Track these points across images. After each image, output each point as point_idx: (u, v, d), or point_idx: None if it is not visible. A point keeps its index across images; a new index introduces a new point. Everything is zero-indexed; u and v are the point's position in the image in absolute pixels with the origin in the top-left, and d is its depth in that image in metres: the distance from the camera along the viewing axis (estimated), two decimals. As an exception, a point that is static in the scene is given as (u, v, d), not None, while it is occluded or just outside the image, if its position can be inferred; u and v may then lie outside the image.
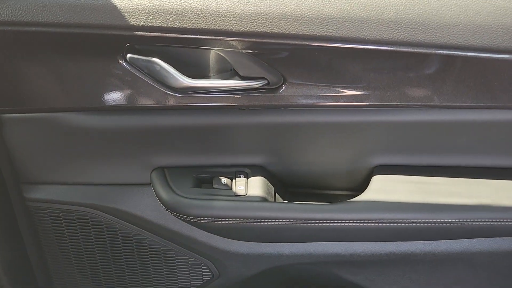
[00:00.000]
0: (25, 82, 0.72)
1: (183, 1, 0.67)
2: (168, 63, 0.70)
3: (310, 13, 0.66)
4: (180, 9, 0.66)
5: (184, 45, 0.69)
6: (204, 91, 0.72)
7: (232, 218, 0.78)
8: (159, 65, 0.70)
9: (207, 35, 0.67)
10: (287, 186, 0.87)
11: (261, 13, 0.66)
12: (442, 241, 0.83)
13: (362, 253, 0.85)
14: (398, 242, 0.84)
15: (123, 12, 0.65)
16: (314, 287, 1.01)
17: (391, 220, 0.77)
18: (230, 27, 0.66)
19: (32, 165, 0.82)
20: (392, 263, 0.87)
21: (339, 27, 0.66)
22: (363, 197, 0.79)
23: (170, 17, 0.66)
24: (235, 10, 0.66)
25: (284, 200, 0.85)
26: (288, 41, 0.67)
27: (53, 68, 0.71)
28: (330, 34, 0.66)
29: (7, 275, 0.88)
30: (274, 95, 0.72)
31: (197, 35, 0.67)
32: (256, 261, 0.88)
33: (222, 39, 0.67)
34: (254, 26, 0.66)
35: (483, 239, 0.83)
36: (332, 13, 0.66)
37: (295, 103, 0.73)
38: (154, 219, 0.85)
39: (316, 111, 0.76)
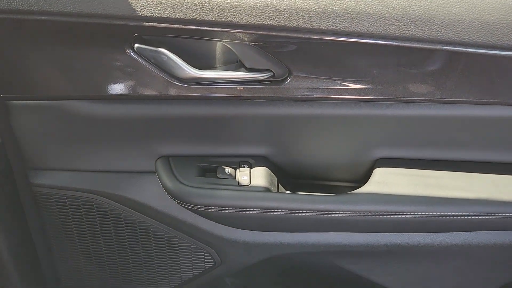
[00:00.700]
0: (33, 70, 0.72)
1: (191, -7, 0.67)
2: (175, 54, 0.71)
3: (317, 6, 0.67)
4: (188, 1, 0.67)
5: (191, 36, 0.70)
6: (210, 82, 0.73)
7: (236, 207, 0.79)
8: (166, 55, 0.70)
9: (215, 27, 0.67)
10: (290, 176, 0.88)
11: (269, 6, 0.66)
12: (442, 233, 0.85)
13: (363, 244, 0.86)
14: (398, 234, 0.85)
15: (131, 3, 0.66)
16: (314, 276, 1.03)
17: (391, 212, 0.78)
18: (238, 20, 0.66)
19: (38, 152, 0.83)
20: (391, 254, 0.89)
21: (346, 21, 0.67)
22: (364, 189, 0.80)
23: (178, 9, 0.66)
24: (243, 3, 0.67)
25: (286, 190, 0.86)
26: (295, 34, 0.67)
27: (61, 56, 0.71)
28: (337, 28, 0.67)
29: (13, 259, 0.89)
30: (279, 87, 0.73)
31: (204, 26, 0.67)
32: (258, 249, 0.89)
33: (229, 31, 0.68)
34: (261, 19, 0.66)
35: (482, 232, 0.84)
36: (339, 7, 0.67)
37: (299, 96, 0.74)
38: (158, 206, 0.86)
39: (320, 103, 0.77)
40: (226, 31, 0.68)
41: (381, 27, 0.67)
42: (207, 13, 0.66)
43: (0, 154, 0.79)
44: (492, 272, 0.94)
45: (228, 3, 0.67)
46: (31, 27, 0.68)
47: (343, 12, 0.67)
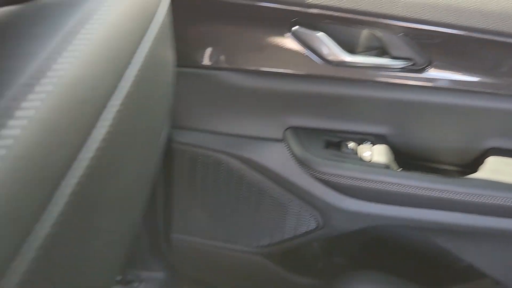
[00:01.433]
0: (201, 42, 0.82)
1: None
2: (331, 38, 0.78)
3: (473, 6, 0.73)
4: None
5: (348, 24, 0.77)
6: (356, 66, 0.80)
7: (358, 179, 0.87)
8: (321, 39, 0.78)
9: (372, 17, 0.74)
10: (402, 156, 0.96)
11: (427, 2, 0.73)
12: None
13: (463, 224, 0.91)
14: (500, 218, 0.91)
15: None
16: (402, 249, 1.10)
17: (503, 197, 0.85)
18: (395, 12, 0.73)
19: (184, 112, 0.92)
20: (489, 237, 0.95)
21: (497, 22, 0.72)
22: (478, 175, 0.87)
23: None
24: None
25: (399, 168, 0.94)
26: (450, 31, 0.74)
27: (224, 33, 0.80)
28: (490, 28, 0.72)
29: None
30: (417, 76, 0.80)
31: (362, 16, 0.74)
32: (361, 218, 0.96)
33: (386, 22, 0.75)
34: (418, 13, 0.73)
35: None
36: (494, 8, 0.73)
37: (434, 85, 0.81)
38: (281, 171, 0.94)
39: (448, 93, 0.84)
40: (383, 22, 0.75)
41: None
42: (366, 3, 0.73)
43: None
44: None
45: None
46: (205, 6, 0.77)
47: (497, 13, 0.72)
